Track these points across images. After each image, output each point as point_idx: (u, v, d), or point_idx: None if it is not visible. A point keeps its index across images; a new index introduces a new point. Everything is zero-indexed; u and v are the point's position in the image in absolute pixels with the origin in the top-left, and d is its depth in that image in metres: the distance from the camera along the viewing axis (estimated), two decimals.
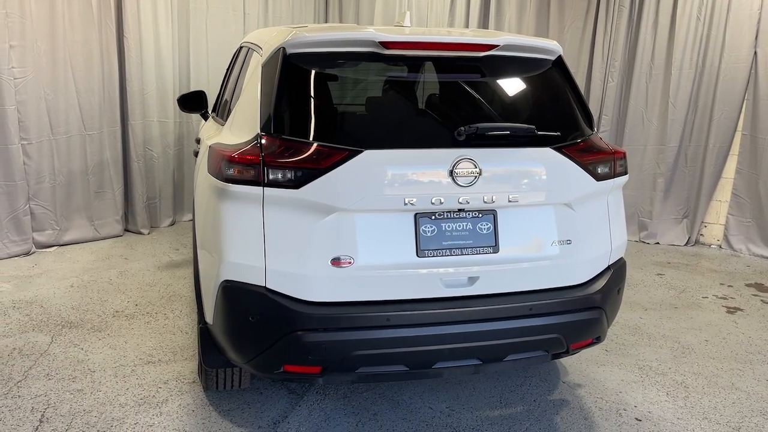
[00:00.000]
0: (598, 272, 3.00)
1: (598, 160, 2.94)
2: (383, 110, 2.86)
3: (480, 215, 2.77)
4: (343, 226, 2.63)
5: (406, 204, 2.63)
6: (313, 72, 2.80)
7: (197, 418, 3.22)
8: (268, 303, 2.62)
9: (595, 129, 3.09)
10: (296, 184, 2.57)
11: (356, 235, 2.64)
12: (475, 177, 2.68)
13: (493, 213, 2.78)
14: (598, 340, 3.06)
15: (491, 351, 2.82)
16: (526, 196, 2.79)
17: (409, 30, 3.13)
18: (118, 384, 3.52)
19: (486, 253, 2.77)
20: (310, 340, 2.61)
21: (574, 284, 2.92)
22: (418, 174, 2.65)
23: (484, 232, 2.78)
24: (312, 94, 2.76)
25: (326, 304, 2.64)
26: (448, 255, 2.73)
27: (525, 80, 3.11)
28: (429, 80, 3.04)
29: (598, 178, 2.93)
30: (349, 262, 2.63)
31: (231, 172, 2.64)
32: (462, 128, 2.68)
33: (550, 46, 3.07)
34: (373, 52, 2.78)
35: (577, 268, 2.92)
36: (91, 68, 5.95)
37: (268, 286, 2.63)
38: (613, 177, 3.01)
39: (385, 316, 2.64)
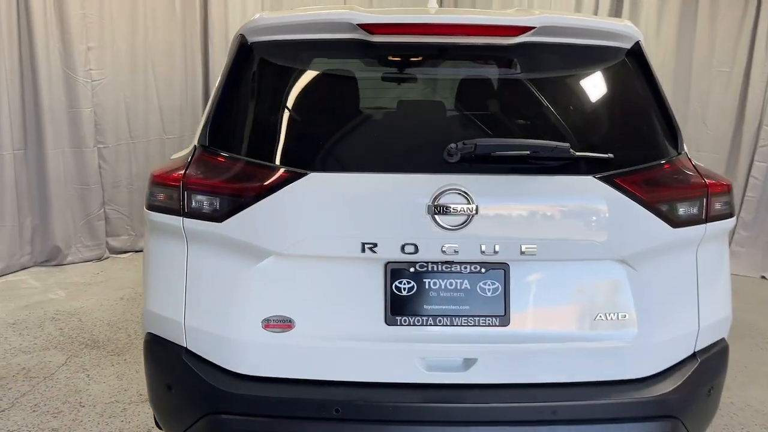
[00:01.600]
0: (675, 362, 2.02)
1: (678, 196, 1.96)
2: (352, 119, 2.09)
3: (483, 270, 1.92)
4: (280, 275, 1.92)
5: (365, 251, 1.86)
6: (275, 67, 2.14)
7: None
8: (185, 370, 1.99)
9: (682, 149, 2.09)
10: (220, 215, 1.92)
11: (299, 290, 1.93)
12: (468, 216, 1.84)
13: (503, 268, 1.92)
14: None
15: None
16: (551, 249, 1.90)
17: (434, 12, 2.34)
18: (98, 426, 3.08)
19: (489, 325, 1.92)
20: (235, 428, 1.94)
21: (630, 378, 1.97)
22: (383, 209, 1.88)
23: (489, 294, 1.93)
24: (264, 96, 2.10)
25: (258, 380, 1.95)
26: (431, 324, 1.92)
27: (579, 78, 2.19)
28: (434, 78, 2.22)
29: (677, 223, 1.95)
30: (289, 326, 1.92)
31: (154, 196, 2.05)
32: (453, 145, 1.85)
33: (619, 29, 2.12)
34: (358, 40, 2.04)
35: (638, 356, 1.97)
36: (173, 70, 5.75)
37: (188, 347, 2.01)
38: (706, 221, 2.01)
39: (333, 405, 1.89)
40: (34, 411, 3.20)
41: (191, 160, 2.02)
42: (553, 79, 2.20)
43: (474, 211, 1.84)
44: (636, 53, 2.15)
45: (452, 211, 1.83)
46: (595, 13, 6.47)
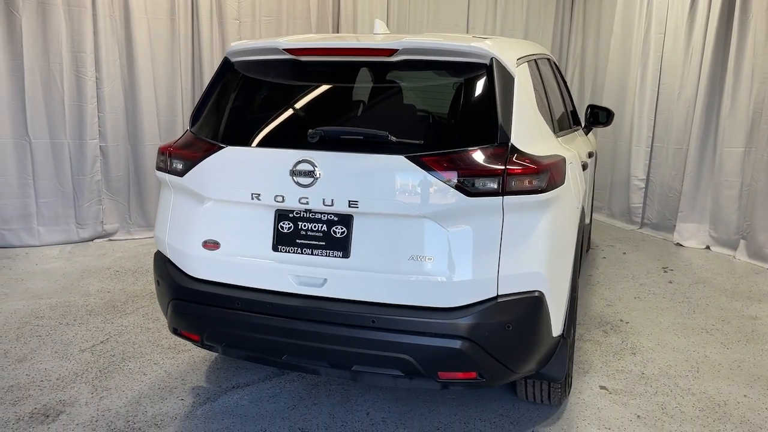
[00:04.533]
0: (476, 301, 2.65)
1: (474, 173, 2.59)
2: (264, 113, 3.04)
3: (336, 219, 2.76)
4: (214, 213, 2.95)
5: (252, 198, 2.82)
6: (240, 77, 3.17)
7: (192, 363, 3.86)
8: (165, 271, 3.11)
9: (505, 140, 2.65)
10: (181, 172, 3.01)
11: (223, 223, 2.94)
12: (314, 179, 2.70)
13: (349, 218, 2.74)
14: (482, 378, 2.69)
15: (335, 356, 2.78)
16: (370, 204, 2.67)
17: (380, 38, 3.20)
18: None
19: (336, 257, 2.75)
20: (185, 309, 3.02)
21: (432, 306, 2.65)
22: (264, 171, 2.81)
23: (338, 235, 2.76)
24: (222, 96, 3.13)
25: (200, 281, 3.00)
26: (299, 253, 2.81)
27: (443, 84, 2.91)
28: (339, 85, 3.07)
29: (472, 193, 2.58)
30: (216, 246, 2.94)
31: (159, 160, 3.21)
32: (311, 131, 2.74)
33: (471, 49, 2.79)
34: (294, 60, 3.00)
35: (440, 290, 2.64)
36: None
37: (168, 257, 3.13)
38: (503, 195, 2.60)
39: (235, 300, 2.87)
40: (143, 317, 4.62)
41: (180, 138, 3.15)
42: (422, 86, 2.94)
43: (318, 176, 2.70)
44: (490, 67, 2.80)
45: (304, 174, 2.71)
46: (707, 22, 6.48)
